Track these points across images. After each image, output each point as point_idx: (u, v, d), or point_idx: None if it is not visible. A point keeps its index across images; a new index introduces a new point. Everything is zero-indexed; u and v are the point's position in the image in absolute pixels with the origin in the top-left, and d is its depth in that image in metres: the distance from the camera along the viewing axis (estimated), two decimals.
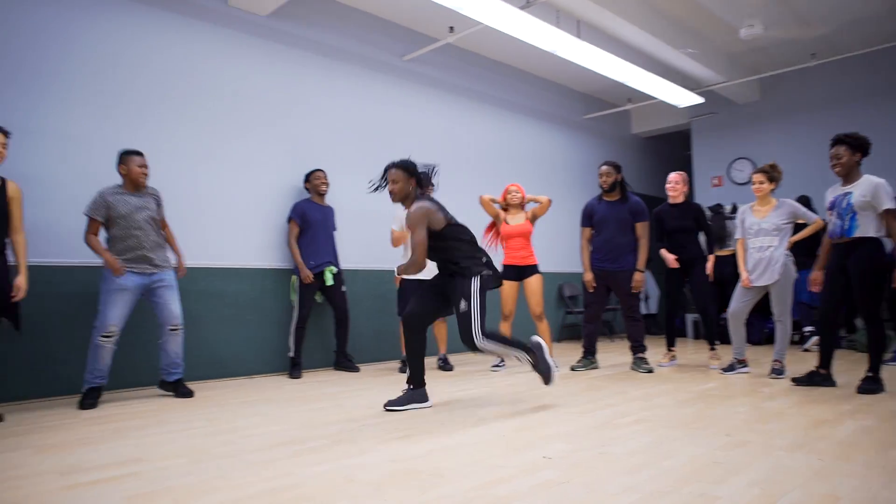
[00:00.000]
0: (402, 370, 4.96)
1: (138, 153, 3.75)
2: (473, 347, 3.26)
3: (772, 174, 4.47)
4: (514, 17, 4.89)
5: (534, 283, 4.93)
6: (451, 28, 5.75)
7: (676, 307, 5.17)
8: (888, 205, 3.61)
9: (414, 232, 3.25)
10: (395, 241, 4.98)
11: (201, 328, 4.49)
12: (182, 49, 4.56)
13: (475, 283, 3.28)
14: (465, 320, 3.25)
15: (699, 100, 7.02)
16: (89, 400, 3.51)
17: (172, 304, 3.79)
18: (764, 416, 3.07)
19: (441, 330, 5.24)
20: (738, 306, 4.55)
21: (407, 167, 3.33)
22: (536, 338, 3.48)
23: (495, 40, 6.46)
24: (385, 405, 3.35)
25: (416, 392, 3.40)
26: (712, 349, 5.04)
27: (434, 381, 4.44)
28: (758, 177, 4.50)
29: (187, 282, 4.43)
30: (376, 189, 3.38)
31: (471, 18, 5.23)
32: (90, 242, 3.62)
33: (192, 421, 3.12)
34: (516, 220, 5.03)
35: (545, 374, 3.40)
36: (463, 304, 3.25)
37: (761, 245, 4.43)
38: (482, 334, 3.24)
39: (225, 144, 4.76)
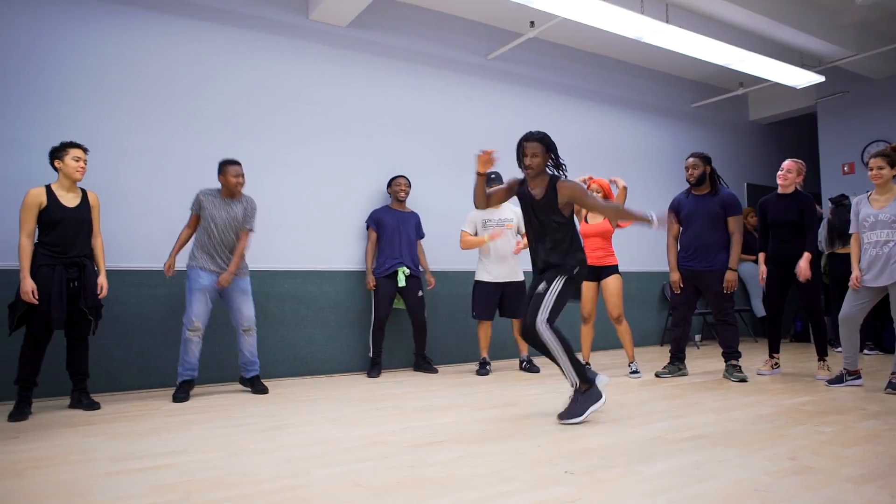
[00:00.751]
0: (479, 372, 4.93)
1: (235, 162, 4.06)
2: (531, 327, 3.03)
3: (893, 157, 3.91)
4: (593, 5, 4.67)
5: (612, 283, 4.68)
6: (532, 23, 5.62)
7: (779, 311, 4.67)
8: None
9: (588, 197, 3.16)
10: (467, 244, 4.97)
11: (283, 327, 4.76)
12: (268, 64, 4.86)
13: (562, 277, 3.13)
14: (536, 300, 3.08)
15: (819, 78, 6.28)
16: (181, 393, 3.84)
17: (245, 308, 4.06)
18: (850, 440, 2.68)
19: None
20: (849, 310, 4.02)
21: (544, 140, 3.19)
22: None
23: (580, 30, 6.22)
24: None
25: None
26: (821, 359, 4.50)
27: (513, 383, 4.37)
28: (875, 161, 3.96)
29: (270, 285, 4.73)
30: (520, 165, 3.23)
31: (547, 13, 5.08)
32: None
33: (251, 416, 3.31)
34: (595, 217, 4.80)
35: (579, 408, 3.04)
36: (542, 286, 3.12)
37: (878, 239, 3.88)
38: (546, 320, 3.04)
39: (310, 153, 5.01)
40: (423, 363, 5.02)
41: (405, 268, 4.88)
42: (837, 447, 2.55)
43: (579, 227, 4.72)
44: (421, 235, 5.14)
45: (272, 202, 4.79)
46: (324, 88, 5.11)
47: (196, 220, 4.05)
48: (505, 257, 4.97)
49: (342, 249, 5.13)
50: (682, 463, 2.34)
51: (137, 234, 4.28)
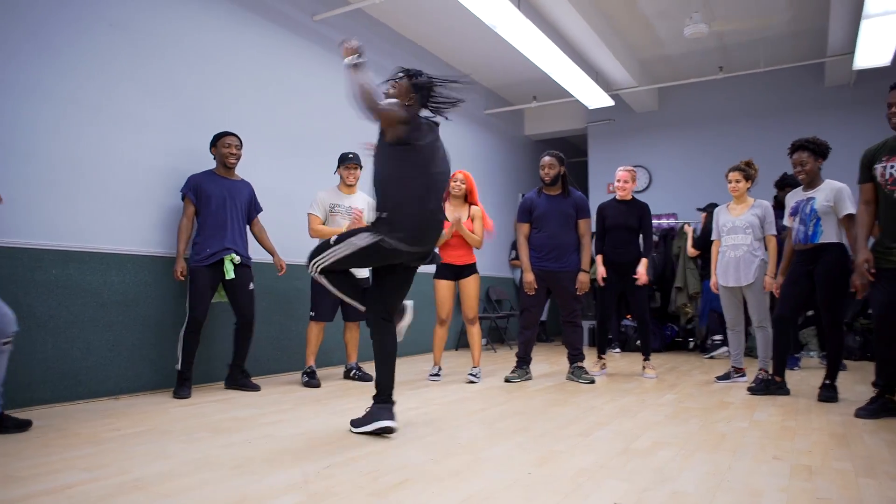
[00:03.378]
0: (308, 384, 4.10)
1: None
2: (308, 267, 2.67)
3: (748, 172, 4.32)
4: None
5: (471, 284, 4.37)
6: None
7: (609, 313, 4.87)
8: (850, 210, 3.54)
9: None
10: (319, 233, 4.15)
11: (49, 333, 3.30)
12: None
13: (366, 234, 2.56)
14: (322, 245, 2.67)
15: (610, 102, 6.94)
16: None
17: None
18: (779, 433, 2.75)
19: (353, 335, 4.47)
20: (730, 317, 4.37)
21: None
22: (408, 303, 2.84)
23: (413, 14, 5.84)
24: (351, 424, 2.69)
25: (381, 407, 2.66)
26: (646, 359, 4.80)
27: (358, 394, 3.67)
28: (733, 175, 4.33)
29: (30, 270, 3.24)
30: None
31: None
32: None
33: (65, 473, 2.07)
34: (458, 215, 4.43)
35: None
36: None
37: (734, 243, 4.26)
38: (320, 267, 2.63)
39: (97, 91, 3.58)
40: (241, 377, 3.95)
41: (234, 255, 3.80)
42: (782, 441, 2.57)
43: None
44: (258, 210, 4.10)
45: (42, 151, 3.29)
46: (130, 13, 3.73)
47: None
48: None
49: (141, 226, 3.80)
50: (701, 474, 2.06)
51: None
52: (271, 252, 4.14)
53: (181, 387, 3.63)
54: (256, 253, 4.18)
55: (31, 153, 3.26)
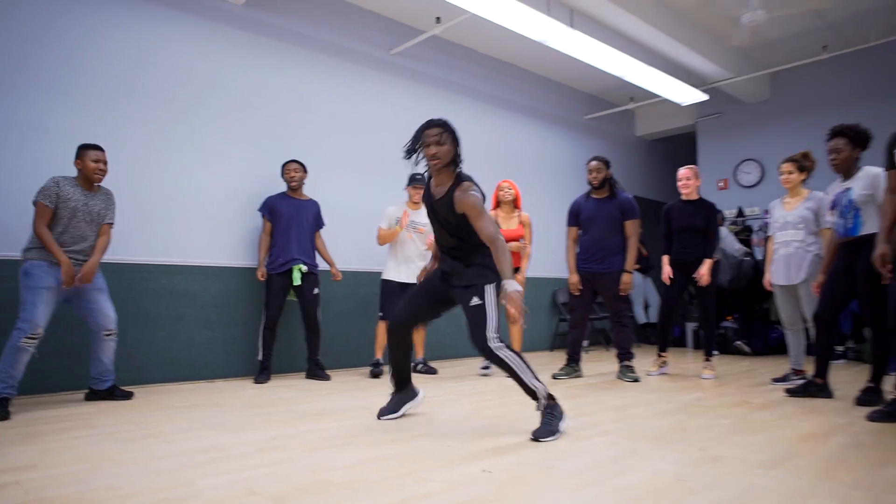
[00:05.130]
0: (373, 374, 4.70)
1: (96, 147, 3.50)
2: (485, 347, 2.65)
3: (802, 163, 4.17)
4: (500, 3, 4.63)
5: None
6: (438, 18, 5.51)
7: (673, 312, 4.84)
8: None
9: (479, 219, 2.65)
10: (382, 238, 4.80)
11: (159, 328, 4.27)
12: (156, 38, 4.36)
13: (489, 285, 2.73)
14: (478, 314, 2.67)
15: (703, 97, 6.69)
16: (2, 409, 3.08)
17: (108, 308, 3.55)
18: (748, 429, 2.75)
19: (420, 333, 5.01)
20: (785, 316, 4.26)
21: (447, 126, 2.76)
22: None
23: (485, 33, 6.22)
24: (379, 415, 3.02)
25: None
26: (708, 359, 4.70)
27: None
28: (786, 166, 4.20)
29: (145, 280, 4.23)
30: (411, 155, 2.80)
31: (454, 6, 5.01)
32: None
33: (116, 425, 2.87)
34: (508, 223, 4.78)
35: (552, 425, 2.62)
36: (475, 299, 2.70)
37: (786, 240, 4.12)
38: (496, 335, 2.66)
39: (199, 137, 4.54)
40: (316, 369, 4.66)
41: (302, 265, 4.54)
42: (740, 437, 2.60)
43: None
44: (320, 225, 4.81)
45: (152, 189, 4.30)
46: (216, 69, 4.68)
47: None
48: (411, 258, 4.82)
49: (231, 243, 4.70)
50: (599, 457, 2.26)
51: None
52: (329, 262, 4.79)
53: (261, 374, 4.42)
54: (338, 261, 4.91)
55: (146, 188, 4.27)
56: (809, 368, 4.24)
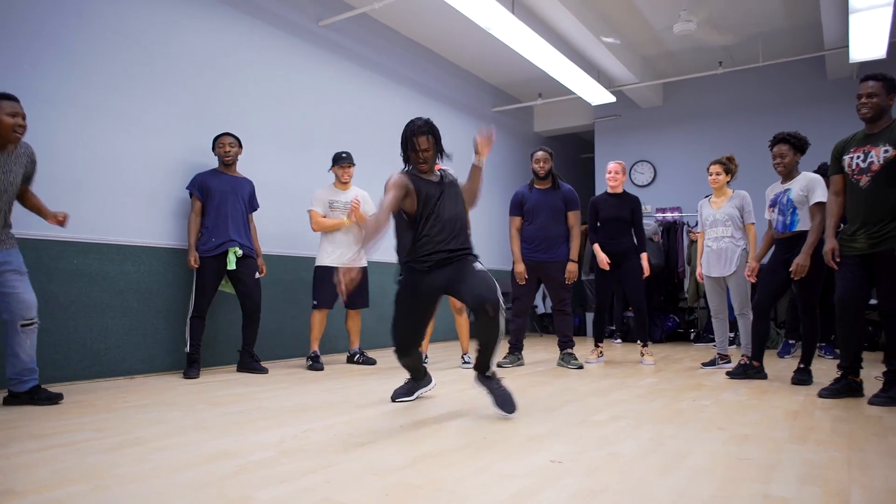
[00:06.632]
0: (312, 367, 4.38)
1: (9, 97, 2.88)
2: (495, 302, 2.64)
3: (728, 166, 4.49)
4: None
5: None
6: None
7: (606, 303, 5.05)
8: (819, 198, 3.68)
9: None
10: (321, 226, 4.49)
11: (70, 317, 3.62)
12: None
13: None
14: (486, 277, 2.77)
15: (612, 98, 7.07)
16: None
17: (27, 293, 2.95)
18: (733, 410, 2.92)
19: (355, 322, 4.76)
20: (714, 305, 4.56)
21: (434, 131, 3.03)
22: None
23: (413, 17, 6.07)
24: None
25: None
26: (644, 346, 4.97)
27: (361, 377, 3.94)
28: (715, 167, 4.50)
29: (54, 259, 3.57)
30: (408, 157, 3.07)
31: None
32: None
33: (78, 433, 2.38)
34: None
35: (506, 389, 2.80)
36: (478, 265, 2.89)
37: (716, 236, 4.44)
38: (502, 300, 2.71)
39: (118, 98, 3.90)
40: (252, 362, 4.24)
41: (237, 248, 4.09)
42: (734, 416, 2.75)
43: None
44: (255, 207, 4.38)
45: (62, 154, 3.62)
46: (134, 24, 4.04)
47: None
48: (348, 242, 4.56)
49: (153, 220, 4.12)
50: (641, 442, 2.26)
51: None
52: (257, 252, 4.31)
53: (190, 368, 3.93)
54: (264, 245, 4.51)
55: (55, 155, 3.59)
56: (733, 354, 4.66)
